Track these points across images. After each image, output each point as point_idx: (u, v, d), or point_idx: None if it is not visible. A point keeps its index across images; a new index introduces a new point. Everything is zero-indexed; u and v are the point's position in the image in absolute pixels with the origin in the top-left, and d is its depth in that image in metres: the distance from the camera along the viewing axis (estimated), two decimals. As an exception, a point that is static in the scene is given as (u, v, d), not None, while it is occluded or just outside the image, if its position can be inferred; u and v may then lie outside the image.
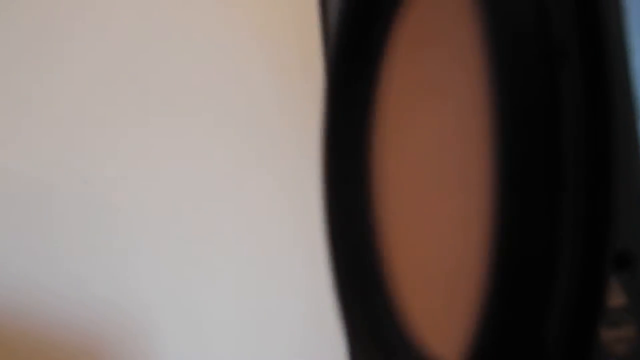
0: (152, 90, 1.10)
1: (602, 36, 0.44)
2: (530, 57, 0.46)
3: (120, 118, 1.10)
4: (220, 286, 1.10)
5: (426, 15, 0.63)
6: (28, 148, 1.08)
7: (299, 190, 1.10)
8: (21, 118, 1.08)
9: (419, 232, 0.63)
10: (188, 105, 1.11)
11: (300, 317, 1.11)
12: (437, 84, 0.62)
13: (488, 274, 0.47)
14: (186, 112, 1.10)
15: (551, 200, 0.45)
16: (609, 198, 0.43)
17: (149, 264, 1.08)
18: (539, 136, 0.46)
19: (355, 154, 0.64)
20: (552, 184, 0.45)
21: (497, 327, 0.48)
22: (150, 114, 1.10)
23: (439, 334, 0.55)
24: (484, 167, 0.51)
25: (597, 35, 0.44)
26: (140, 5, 1.11)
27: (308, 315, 1.10)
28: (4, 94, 1.08)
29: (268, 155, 1.12)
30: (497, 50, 0.49)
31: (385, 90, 0.67)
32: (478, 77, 0.52)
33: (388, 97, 0.67)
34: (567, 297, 0.44)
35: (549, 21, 0.46)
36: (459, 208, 0.59)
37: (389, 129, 0.65)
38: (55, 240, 1.06)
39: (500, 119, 0.48)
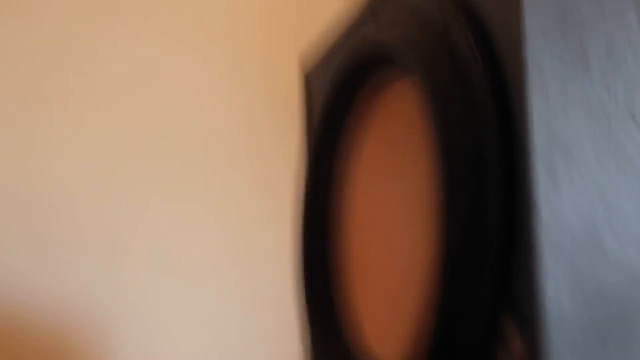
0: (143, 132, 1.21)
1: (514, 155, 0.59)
2: (462, 162, 0.61)
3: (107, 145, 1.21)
4: (180, 293, 1.20)
5: (390, 119, 0.78)
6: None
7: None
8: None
9: (376, 269, 0.78)
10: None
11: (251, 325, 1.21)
12: (396, 171, 0.78)
13: (427, 315, 0.61)
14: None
15: (476, 275, 0.60)
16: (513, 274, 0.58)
17: (114, 270, 1.18)
18: (468, 222, 0.61)
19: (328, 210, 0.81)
20: (477, 265, 0.60)
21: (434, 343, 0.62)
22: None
23: (384, 344, 0.70)
24: (426, 233, 0.65)
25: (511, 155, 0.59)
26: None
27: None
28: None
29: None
30: (440, 156, 0.64)
31: (355, 168, 0.82)
32: (425, 171, 0.67)
33: (358, 173, 0.83)
34: (479, 332, 0.59)
35: (478, 142, 0.60)
36: (406, 257, 0.74)
37: (358, 193, 0.81)
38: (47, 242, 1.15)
39: (442, 208, 0.62)
